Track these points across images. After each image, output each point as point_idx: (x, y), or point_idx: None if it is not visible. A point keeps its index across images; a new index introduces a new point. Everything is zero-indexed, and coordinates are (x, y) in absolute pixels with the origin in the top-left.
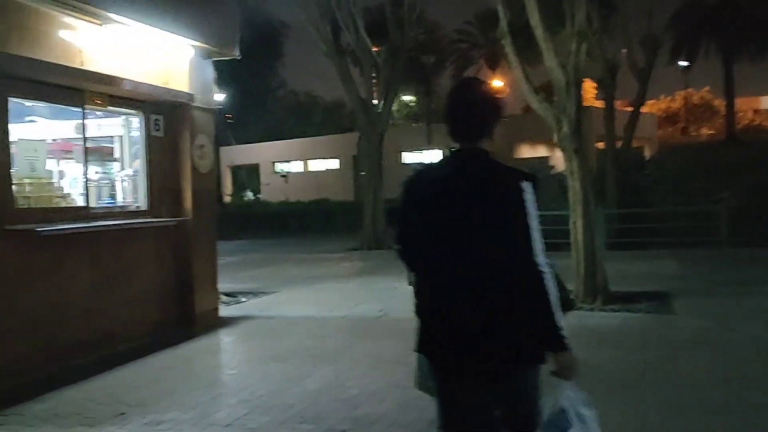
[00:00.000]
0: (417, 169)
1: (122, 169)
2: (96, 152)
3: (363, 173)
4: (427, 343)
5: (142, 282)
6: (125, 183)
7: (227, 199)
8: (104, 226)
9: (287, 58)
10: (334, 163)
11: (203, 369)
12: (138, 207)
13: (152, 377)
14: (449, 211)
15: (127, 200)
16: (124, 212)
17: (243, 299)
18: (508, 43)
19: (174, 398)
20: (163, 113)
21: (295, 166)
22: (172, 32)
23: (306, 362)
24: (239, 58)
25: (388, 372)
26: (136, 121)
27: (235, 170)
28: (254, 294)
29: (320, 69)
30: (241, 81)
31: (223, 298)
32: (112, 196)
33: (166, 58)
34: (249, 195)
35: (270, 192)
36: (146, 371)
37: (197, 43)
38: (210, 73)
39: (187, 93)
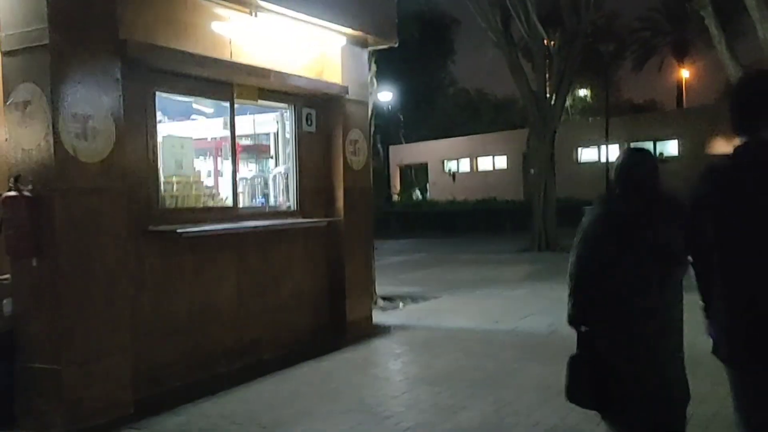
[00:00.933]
0: (710, 168)
1: (276, 166)
2: (252, 150)
3: (533, 171)
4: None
5: (290, 287)
6: (277, 182)
7: (396, 198)
8: (250, 227)
9: (458, 55)
10: (502, 161)
11: (347, 388)
12: (288, 207)
13: (292, 393)
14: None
15: (279, 200)
16: (273, 212)
17: (401, 304)
18: (709, 13)
19: (309, 422)
20: (316, 107)
21: (463, 165)
22: (325, 19)
23: (462, 388)
24: (396, 44)
25: (560, 408)
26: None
27: (404, 169)
28: (413, 299)
29: (491, 65)
30: (411, 79)
31: (381, 302)
32: (266, 196)
33: (318, 48)
34: (417, 194)
35: (437, 191)
36: (288, 386)
37: (351, 31)
38: (365, 63)
39: (340, 85)
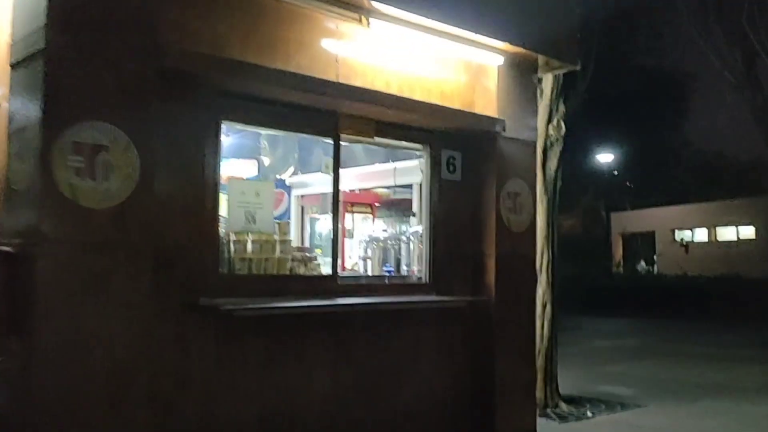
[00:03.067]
0: None
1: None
2: (392, 205)
3: None
4: None
5: (416, 387)
6: (413, 246)
7: (616, 269)
8: (347, 304)
9: (693, 114)
10: (748, 232)
11: None
12: (419, 279)
13: None
14: None
15: (412, 269)
16: (394, 286)
17: (590, 413)
18: None
19: None
20: (460, 149)
21: (699, 234)
22: (473, 30)
23: None
24: (578, 68)
25: None
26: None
27: (628, 238)
28: (608, 405)
29: (733, 126)
30: (638, 140)
31: (562, 407)
32: (399, 263)
33: (463, 69)
34: (641, 266)
35: (665, 263)
36: None
37: (512, 47)
38: (530, 91)
39: (494, 119)
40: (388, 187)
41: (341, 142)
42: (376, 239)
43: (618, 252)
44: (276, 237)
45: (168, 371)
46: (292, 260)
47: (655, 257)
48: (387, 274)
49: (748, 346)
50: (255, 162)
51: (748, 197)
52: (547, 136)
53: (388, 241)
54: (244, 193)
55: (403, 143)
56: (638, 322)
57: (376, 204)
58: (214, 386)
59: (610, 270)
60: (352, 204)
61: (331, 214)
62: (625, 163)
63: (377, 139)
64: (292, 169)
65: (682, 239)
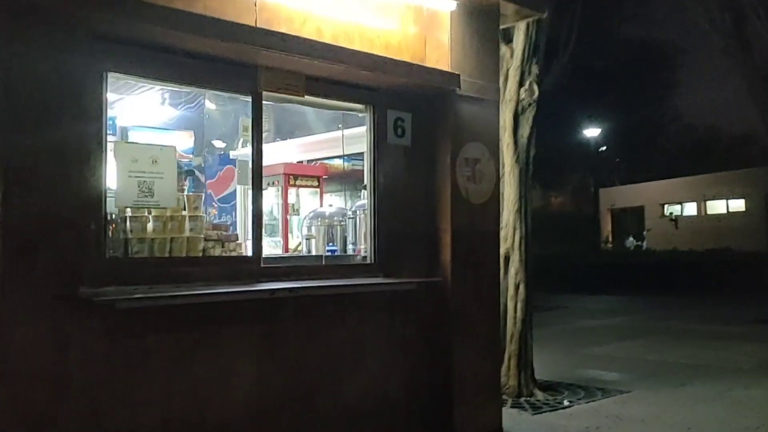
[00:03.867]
0: None
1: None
2: (344, 179)
3: None
4: None
5: (362, 385)
6: (358, 222)
7: (606, 246)
8: (267, 291)
9: (683, 87)
10: (739, 205)
11: None
12: (365, 259)
13: None
14: None
15: (359, 248)
16: (330, 267)
17: (567, 402)
18: None
19: None
20: (410, 109)
21: (688, 209)
22: None
23: None
24: (545, 16)
25: None
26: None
27: (617, 213)
28: (588, 392)
29: (723, 98)
30: (627, 114)
31: (536, 395)
32: (345, 242)
33: (412, 17)
34: (630, 242)
35: (655, 239)
36: None
37: None
38: (491, 44)
39: (447, 74)
40: (337, 158)
41: (264, 102)
42: (321, 215)
43: (607, 228)
44: (185, 213)
45: (42, 378)
46: (206, 240)
47: (644, 233)
48: (330, 254)
49: (740, 323)
50: (191, 134)
51: (738, 169)
52: (519, 100)
53: (335, 218)
54: (136, 160)
55: (341, 103)
56: (627, 300)
57: (324, 177)
58: (104, 393)
59: (599, 247)
60: (296, 177)
61: (252, 188)
62: (613, 137)
63: (308, 98)
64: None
65: (671, 213)
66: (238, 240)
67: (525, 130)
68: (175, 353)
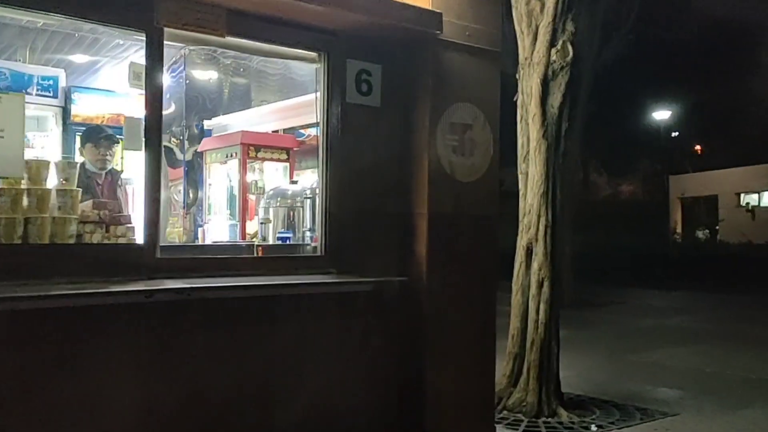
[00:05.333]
0: None
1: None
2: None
3: None
4: None
5: (295, 412)
6: (315, 202)
7: (675, 238)
8: (148, 292)
9: (765, 69)
10: None
11: None
12: (314, 249)
13: None
14: None
15: (315, 235)
16: (258, 262)
17: (594, 427)
18: None
19: None
20: (378, 58)
21: (767, 199)
22: None
23: None
24: None
25: None
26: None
27: (688, 202)
28: (627, 411)
29: None
30: (700, 95)
31: (560, 415)
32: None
33: None
34: (704, 233)
35: (728, 231)
36: None
37: None
38: None
39: (427, 12)
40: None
41: (166, 42)
42: (280, 195)
43: (676, 218)
44: (52, 186)
45: None
46: (82, 222)
47: (718, 224)
48: (280, 243)
49: None
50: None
51: None
52: (548, 63)
53: (297, 199)
54: None
55: (282, 49)
56: (694, 297)
57: (295, 148)
58: None
59: (667, 238)
60: (258, 148)
61: (146, 152)
62: (686, 120)
63: (233, 41)
64: None
65: (747, 203)
66: (130, 223)
67: (556, 99)
68: (34, 370)
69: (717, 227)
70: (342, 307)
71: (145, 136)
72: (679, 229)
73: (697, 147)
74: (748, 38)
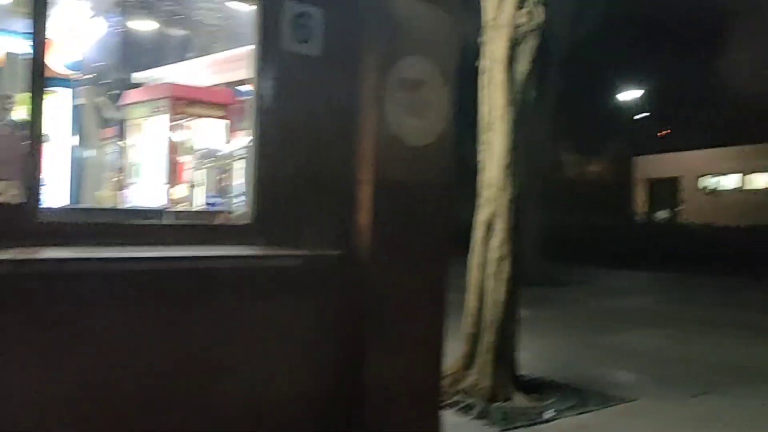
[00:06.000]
0: None
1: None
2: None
3: None
4: None
5: (223, 395)
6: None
7: (637, 218)
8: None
9: (732, 54)
10: None
11: None
12: (237, 218)
13: None
14: None
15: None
16: (170, 230)
17: (550, 413)
18: None
19: None
20: (321, 1)
21: (728, 181)
22: None
23: None
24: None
25: None
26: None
27: (652, 184)
28: (585, 396)
29: None
30: (669, 79)
31: (516, 401)
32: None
33: None
34: (662, 215)
35: (690, 212)
36: None
37: None
38: None
39: None
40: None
41: None
42: (211, 155)
43: (641, 199)
44: None
45: None
46: None
47: (678, 206)
48: (209, 207)
49: None
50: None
51: None
52: (515, 26)
53: (230, 160)
54: None
55: None
56: (657, 278)
57: (232, 104)
58: None
59: (630, 219)
60: (189, 102)
61: (32, 96)
62: (653, 101)
63: None
64: None
65: (706, 186)
66: (12, 179)
67: (523, 65)
68: None
69: (678, 209)
70: (269, 285)
71: (32, 74)
72: (642, 210)
73: (663, 129)
74: (715, 22)
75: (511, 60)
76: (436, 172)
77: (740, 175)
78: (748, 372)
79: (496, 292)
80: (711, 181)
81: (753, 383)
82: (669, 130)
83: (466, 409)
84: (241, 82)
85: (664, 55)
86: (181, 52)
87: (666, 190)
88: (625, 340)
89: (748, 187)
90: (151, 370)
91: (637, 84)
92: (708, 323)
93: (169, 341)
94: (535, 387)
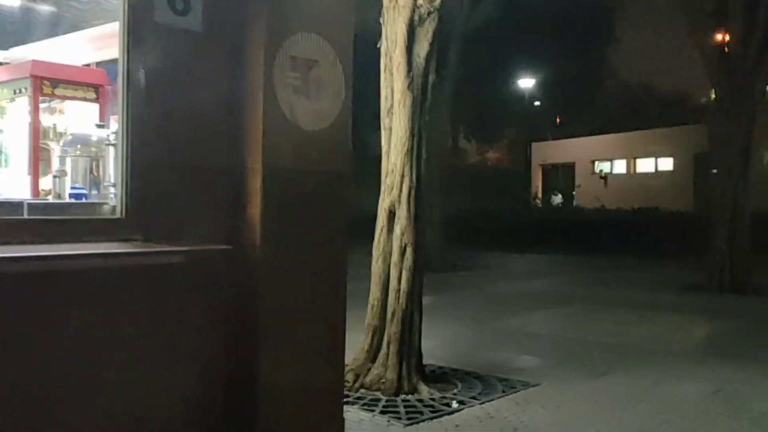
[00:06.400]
0: None
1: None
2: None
3: (715, 171)
4: None
5: (107, 412)
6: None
7: (535, 203)
8: None
9: (621, 46)
10: (668, 163)
11: None
12: (112, 211)
13: None
14: None
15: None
16: (36, 224)
17: (456, 402)
18: None
19: None
20: None
21: (619, 166)
22: None
23: None
24: None
25: None
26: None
27: (548, 169)
28: (489, 383)
29: (660, 59)
30: (562, 68)
31: (421, 392)
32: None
33: None
34: (557, 199)
35: (584, 196)
36: None
37: None
38: None
39: None
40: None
41: None
42: (81, 141)
43: (537, 184)
44: None
45: None
46: None
47: (574, 190)
48: (74, 200)
49: (669, 290)
50: None
51: (668, 127)
52: (415, 7)
53: (102, 147)
54: None
55: None
56: (554, 260)
57: (107, 86)
58: None
59: (529, 203)
60: (55, 83)
61: None
62: (549, 89)
63: None
64: None
65: (601, 171)
66: None
67: (422, 48)
68: None
69: (574, 193)
70: (148, 285)
71: None
72: (540, 195)
73: (559, 116)
74: (608, 13)
75: (411, 42)
76: (331, 158)
77: (629, 159)
78: (640, 351)
79: (400, 281)
80: (603, 166)
81: (647, 362)
82: (564, 117)
83: (371, 404)
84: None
85: (561, 42)
86: (50, 27)
87: (562, 175)
88: (526, 323)
89: (635, 171)
90: (7, 384)
91: (535, 71)
92: (601, 302)
93: (31, 348)
94: (439, 377)
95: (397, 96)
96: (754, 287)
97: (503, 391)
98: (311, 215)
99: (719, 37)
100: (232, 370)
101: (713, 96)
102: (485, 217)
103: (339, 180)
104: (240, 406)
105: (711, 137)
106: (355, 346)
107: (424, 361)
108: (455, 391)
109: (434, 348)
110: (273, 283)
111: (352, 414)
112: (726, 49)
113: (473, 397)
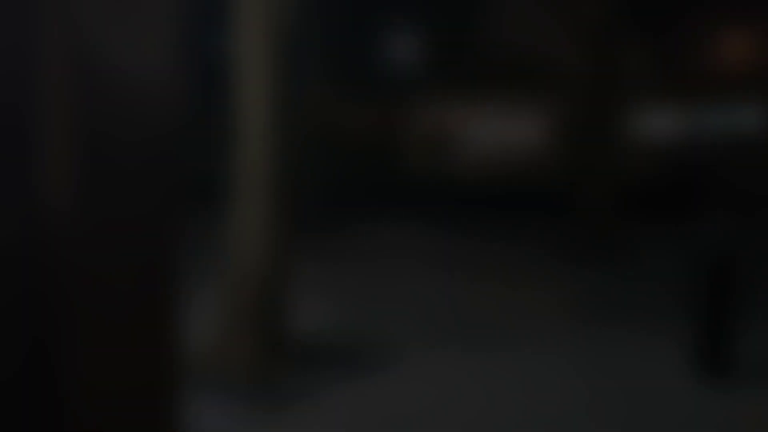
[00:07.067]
0: None
1: None
2: None
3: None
4: None
5: None
6: None
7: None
8: None
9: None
10: None
11: None
12: None
13: None
14: None
15: None
16: None
17: (316, 384)
18: None
19: None
20: None
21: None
22: None
23: None
24: None
25: None
26: None
27: (424, 135)
28: (350, 362)
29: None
30: (439, 24)
31: (280, 375)
32: None
33: None
34: (433, 165)
35: (460, 165)
36: None
37: None
38: None
39: None
40: None
41: None
42: None
43: (413, 150)
44: None
45: None
46: None
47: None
48: None
49: (529, 245)
50: None
51: None
52: None
53: None
54: None
55: None
56: (425, 227)
57: None
58: None
59: (397, 169)
60: None
61: None
62: (424, 50)
63: None
64: None
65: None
66: None
67: None
68: None
69: (448, 160)
70: None
71: None
72: (414, 161)
73: (434, 79)
74: None
75: None
76: (159, 118)
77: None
78: (472, 317)
79: (261, 253)
80: (474, 135)
81: (487, 332)
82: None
83: (227, 389)
84: None
85: None
86: None
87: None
88: (396, 294)
89: (507, 142)
90: None
91: (410, 30)
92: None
93: None
94: (304, 354)
95: (256, 48)
96: (629, 247)
97: (369, 368)
98: (133, 185)
99: None
100: (35, 369)
101: None
102: (355, 180)
103: (168, 142)
104: (48, 406)
105: None
106: (212, 327)
107: (291, 338)
108: (319, 370)
109: (300, 322)
110: (83, 266)
111: (205, 401)
112: None
113: (338, 376)
